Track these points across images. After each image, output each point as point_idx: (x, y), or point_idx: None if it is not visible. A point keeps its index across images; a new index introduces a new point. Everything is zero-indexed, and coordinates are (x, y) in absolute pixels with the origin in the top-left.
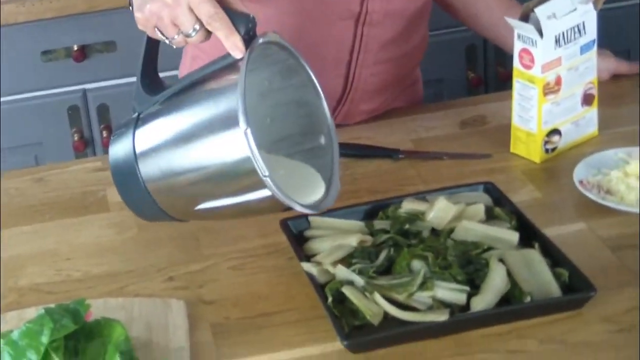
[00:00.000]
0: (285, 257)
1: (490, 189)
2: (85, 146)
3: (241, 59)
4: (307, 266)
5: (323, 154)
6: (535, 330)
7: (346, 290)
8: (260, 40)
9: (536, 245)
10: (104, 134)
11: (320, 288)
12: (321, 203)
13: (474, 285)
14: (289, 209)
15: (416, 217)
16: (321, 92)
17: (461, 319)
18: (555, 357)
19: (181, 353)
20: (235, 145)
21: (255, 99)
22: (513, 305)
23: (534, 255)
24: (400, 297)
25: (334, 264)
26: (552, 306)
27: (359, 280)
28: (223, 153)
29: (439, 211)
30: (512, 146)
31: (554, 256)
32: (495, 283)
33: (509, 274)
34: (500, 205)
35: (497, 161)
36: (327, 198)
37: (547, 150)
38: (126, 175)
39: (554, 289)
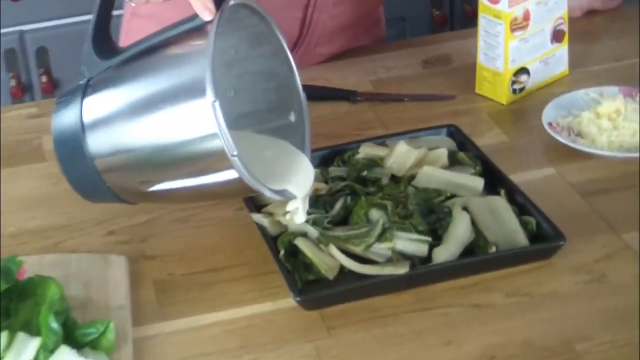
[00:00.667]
0: (233, 208)
1: (454, 133)
2: (23, 92)
3: (210, 22)
4: (257, 217)
5: (292, 133)
6: (501, 282)
7: (299, 243)
8: (231, 2)
9: (502, 192)
10: (43, 79)
11: (271, 241)
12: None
13: (437, 236)
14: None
15: (375, 163)
16: (293, 64)
17: (422, 272)
18: (522, 310)
19: (121, 312)
20: (199, 120)
21: (219, 68)
22: (477, 256)
23: (500, 202)
24: (358, 249)
25: (287, 214)
26: (519, 257)
27: (313, 232)
28: (185, 128)
29: (399, 156)
30: (478, 87)
31: (520, 204)
32: (459, 233)
33: (474, 223)
34: (464, 150)
35: (462, 103)
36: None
37: (514, 91)
38: (71, 150)
39: (521, 239)
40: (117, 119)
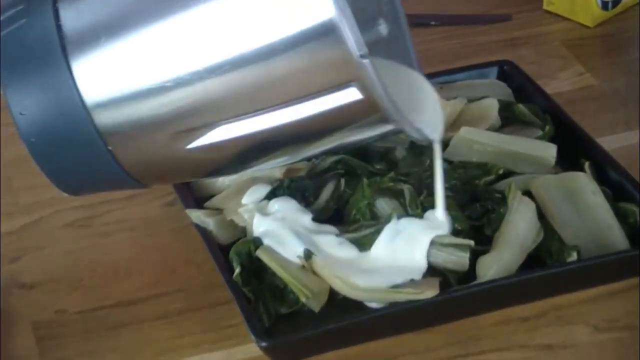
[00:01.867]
0: (160, 202)
1: (510, 74)
2: None
3: None
4: (197, 216)
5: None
6: (587, 309)
7: (264, 255)
8: None
9: (587, 165)
10: None
11: (220, 253)
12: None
13: (483, 238)
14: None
15: None
16: None
17: (461, 296)
18: (622, 352)
19: None
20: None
21: None
22: (549, 269)
23: (584, 182)
24: None
25: (246, 212)
26: (616, 268)
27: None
28: (276, 14)
29: None
30: (547, 0)
31: (617, 183)
32: (519, 232)
33: (541, 216)
34: (526, 100)
35: (522, 26)
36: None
37: (604, 5)
38: (41, 102)
39: (618, 239)
40: (133, 25)
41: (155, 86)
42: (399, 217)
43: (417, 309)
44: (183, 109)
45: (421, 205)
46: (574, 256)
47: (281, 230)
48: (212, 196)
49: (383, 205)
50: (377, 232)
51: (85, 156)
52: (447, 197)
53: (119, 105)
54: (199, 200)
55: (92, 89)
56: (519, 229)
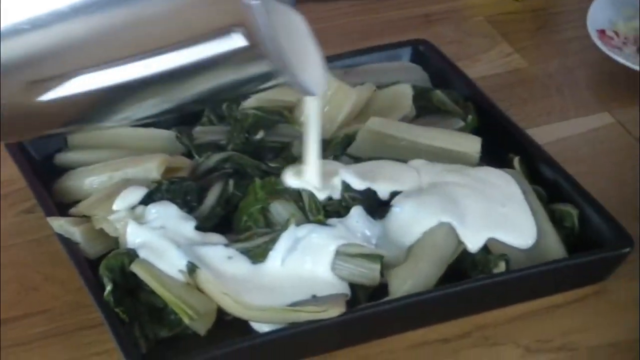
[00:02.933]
0: (17, 209)
1: (426, 55)
2: None
3: None
4: (60, 225)
5: None
6: (518, 327)
7: (140, 270)
8: None
9: (516, 160)
10: None
11: (88, 267)
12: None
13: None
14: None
15: (278, 115)
16: None
17: (370, 314)
18: None
19: None
20: None
21: None
22: (472, 282)
23: (511, 178)
24: None
25: (118, 219)
26: (550, 280)
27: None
28: None
29: (325, 100)
30: None
31: (551, 182)
32: (436, 240)
33: None
34: (444, 86)
35: (439, 0)
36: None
37: None
38: None
39: (553, 246)
40: None
41: (10, 28)
42: (297, 224)
43: (320, 331)
44: (43, 54)
45: (323, 210)
46: (501, 267)
47: (160, 240)
48: (77, 201)
49: (279, 209)
50: (273, 242)
51: None
52: (353, 201)
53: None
54: (62, 206)
55: None
56: (436, 237)
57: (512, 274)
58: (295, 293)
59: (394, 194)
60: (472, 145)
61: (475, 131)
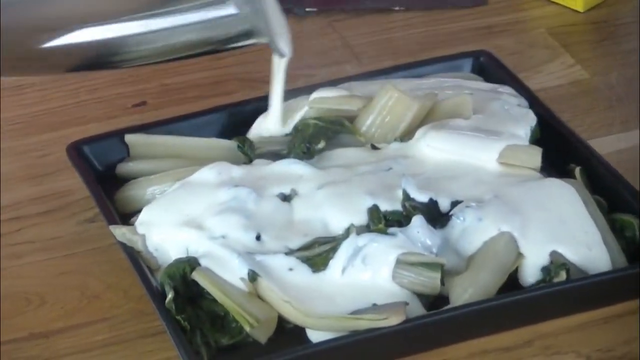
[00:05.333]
0: (79, 218)
1: (487, 66)
2: None
3: None
4: (123, 234)
5: None
6: (578, 337)
7: (202, 278)
8: None
9: (577, 171)
10: None
11: (150, 275)
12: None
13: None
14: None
15: (339, 125)
16: None
17: (431, 323)
18: None
19: None
20: None
21: None
22: (533, 292)
23: (573, 190)
24: None
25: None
26: (611, 289)
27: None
28: None
29: (385, 111)
30: None
31: (612, 192)
32: (497, 248)
33: None
34: None
35: (501, 11)
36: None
37: None
38: None
39: (614, 255)
40: None
41: None
42: (358, 233)
43: (380, 339)
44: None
45: (384, 219)
46: (562, 276)
47: (221, 249)
48: (139, 211)
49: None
50: (334, 250)
51: None
52: (414, 209)
53: None
54: (125, 216)
55: None
56: (497, 246)
57: (573, 283)
58: (355, 301)
59: (455, 203)
60: (533, 155)
61: (537, 142)
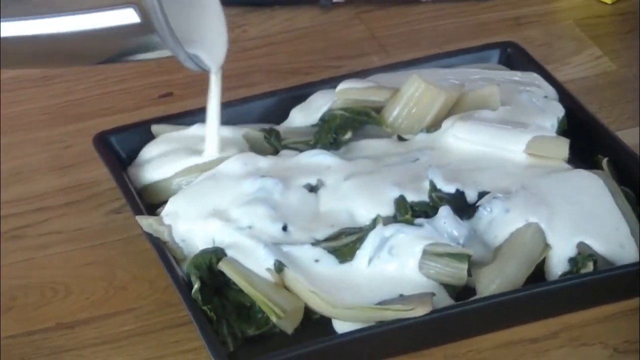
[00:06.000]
0: (105, 209)
1: (514, 57)
2: None
3: None
4: (149, 224)
5: None
6: (605, 328)
7: (228, 268)
8: None
9: (604, 162)
10: None
11: (176, 266)
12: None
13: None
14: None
15: (365, 116)
16: None
17: (458, 314)
18: None
19: None
20: None
21: None
22: (560, 283)
23: (600, 182)
24: None
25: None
26: (639, 279)
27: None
28: None
29: (412, 102)
30: None
31: (639, 182)
32: (525, 240)
33: None
34: None
35: (529, 3)
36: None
37: None
38: None
39: None
40: None
41: None
42: (385, 223)
43: (407, 329)
44: None
45: (411, 210)
46: (589, 267)
47: (247, 240)
48: (165, 201)
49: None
50: (360, 241)
51: None
52: (440, 199)
53: None
54: (151, 206)
55: None
56: (524, 237)
57: (601, 275)
58: (381, 292)
59: (482, 194)
60: (560, 146)
61: (564, 133)
